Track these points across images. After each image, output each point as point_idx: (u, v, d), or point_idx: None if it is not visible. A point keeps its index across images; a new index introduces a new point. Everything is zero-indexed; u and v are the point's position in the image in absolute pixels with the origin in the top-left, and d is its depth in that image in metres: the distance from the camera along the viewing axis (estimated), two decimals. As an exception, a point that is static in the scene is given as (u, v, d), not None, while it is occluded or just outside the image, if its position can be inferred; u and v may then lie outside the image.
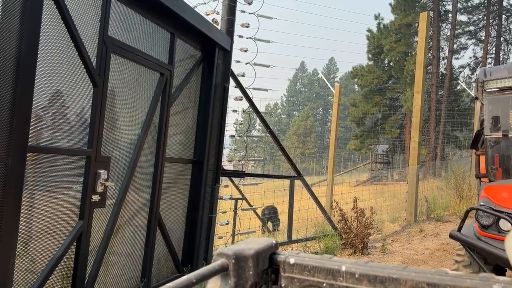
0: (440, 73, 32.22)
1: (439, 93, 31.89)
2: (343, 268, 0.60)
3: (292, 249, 5.75)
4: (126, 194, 3.68)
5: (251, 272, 0.64)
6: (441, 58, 32.94)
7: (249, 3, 5.30)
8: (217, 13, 5.03)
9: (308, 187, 5.71)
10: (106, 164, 3.39)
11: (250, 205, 6.40)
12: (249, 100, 5.30)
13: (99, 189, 3.30)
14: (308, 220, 7.10)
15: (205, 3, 5.17)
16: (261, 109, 5.66)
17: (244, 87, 5.38)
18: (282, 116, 73.37)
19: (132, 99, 3.79)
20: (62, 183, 3.01)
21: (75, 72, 3.06)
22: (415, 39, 34.28)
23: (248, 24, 5.34)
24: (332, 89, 9.67)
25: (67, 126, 3.07)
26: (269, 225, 6.09)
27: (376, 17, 34.48)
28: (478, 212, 3.57)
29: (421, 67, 7.47)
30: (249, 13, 5.38)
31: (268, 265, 0.67)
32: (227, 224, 5.22)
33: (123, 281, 3.76)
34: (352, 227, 5.28)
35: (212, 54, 4.88)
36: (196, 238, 4.75)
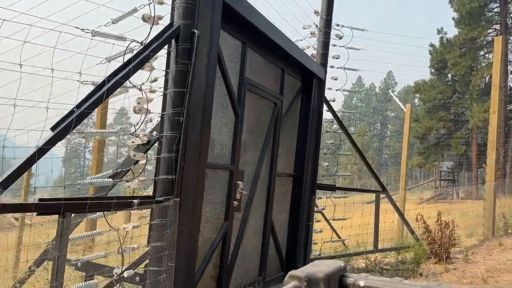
0: (508, 87, 30.98)
1: (508, 108, 30.61)
2: None
3: (376, 258, 6.32)
4: (252, 201, 4.53)
5: None
6: (509, 72, 31.67)
7: (340, 38, 6.08)
8: (314, 48, 5.85)
9: (392, 201, 6.29)
10: (241, 176, 4.26)
11: (326, 219, 7.05)
12: (340, 123, 6.04)
13: (238, 196, 4.17)
14: (385, 231, 7.61)
15: (301, 40, 6.01)
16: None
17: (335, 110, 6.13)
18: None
19: (255, 125, 4.66)
20: (218, 190, 3.91)
21: (225, 105, 3.97)
22: (481, 53, 33.35)
23: (339, 56, 6.12)
24: (403, 107, 10.13)
25: (220, 148, 3.98)
26: None
27: (439, 31, 33.90)
28: None
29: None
30: (340, 46, 6.15)
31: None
32: (321, 231, 5.94)
33: (249, 272, 4.59)
34: (436, 238, 5.78)
35: (310, 84, 5.69)
36: (298, 242, 5.49)
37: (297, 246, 5.50)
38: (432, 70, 35.10)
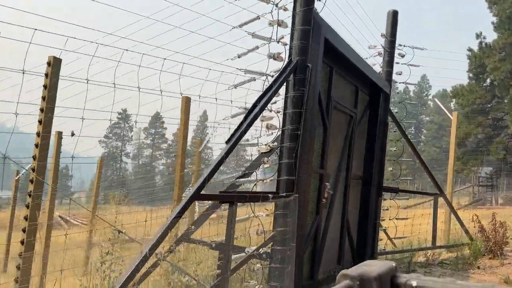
0: (551, 91, 30.48)
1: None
2: None
3: (433, 254, 6.99)
4: (334, 200, 5.35)
5: None
6: (552, 76, 31.11)
7: (402, 56, 6.84)
8: (380, 66, 6.63)
9: (448, 203, 6.96)
10: (328, 178, 5.10)
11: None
12: (403, 132, 6.78)
13: (325, 195, 5.01)
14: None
15: (367, 58, 6.78)
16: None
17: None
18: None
19: (336, 135, 5.49)
20: (313, 190, 4.76)
21: (318, 120, 4.82)
22: (522, 57, 32.83)
23: (401, 72, 6.88)
24: (450, 115, 10.70)
25: (315, 155, 4.82)
26: None
27: (478, 35, 33.64)
28: None
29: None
30: (402, 64, 6.91)
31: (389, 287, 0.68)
32: (385, 229, 6.69)
33: (331, 260, 5.42)
34: (490, 236, 6.43)
35: (377, 98, 6.47)
36: (367, 237, 6.27)
37: (366, 241, 6.27)
38: (470, 75, 34.81)
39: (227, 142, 3.26)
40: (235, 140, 3.26)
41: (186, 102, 7.61)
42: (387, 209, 6.68)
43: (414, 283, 0.67)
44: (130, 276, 2.55)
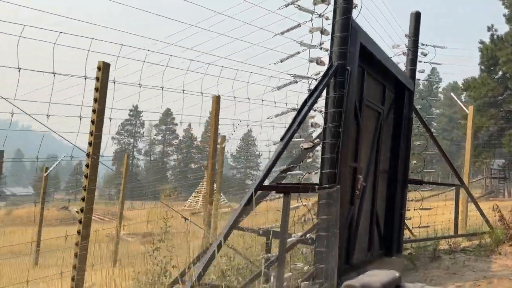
0: None
1: None
2: None
3: (455, 242, 7.36)
4: (365, 192, 5.75)
5: None
6: None
7: (425, 55, 7.19)
8: (404, 65, 6.99)
9: (469, 193, 7.31)
10: (361, 171, 5.50)
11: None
12: (426, 127, 7.15)
13: (359, 186, 5.41)
14: (451, 222, 8.60)
15: (392, 57, 7.14)
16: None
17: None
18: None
19: (366, 130, 5.88)
20: (348, 182, 5.17)
21: (352, 117, 5.21)
22: (534, 49, 32.70)
23: (423, 69, 7.23)
24: (466, 110, 11.02)
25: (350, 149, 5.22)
26: None
27: (489, 28, 33.60)
28: None
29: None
30: (424, 62, 7.26)
31: None
32: (410, 219, 7.08)
33: (362, 247, 5.83)
34: (510, 224, 6.80)
35: (402, 95, 6.83)
36: (393, 227, 6.66)
37: (393, 231, 6.66)
38: (482, 67, 34.78)
39: (281, 140, 3.68)
40: (288, 137, 3.67)
41: (217, 102, 8.01)
42: (411, 200, 7.06)
43: None
44: (211, 257, 2.98)
